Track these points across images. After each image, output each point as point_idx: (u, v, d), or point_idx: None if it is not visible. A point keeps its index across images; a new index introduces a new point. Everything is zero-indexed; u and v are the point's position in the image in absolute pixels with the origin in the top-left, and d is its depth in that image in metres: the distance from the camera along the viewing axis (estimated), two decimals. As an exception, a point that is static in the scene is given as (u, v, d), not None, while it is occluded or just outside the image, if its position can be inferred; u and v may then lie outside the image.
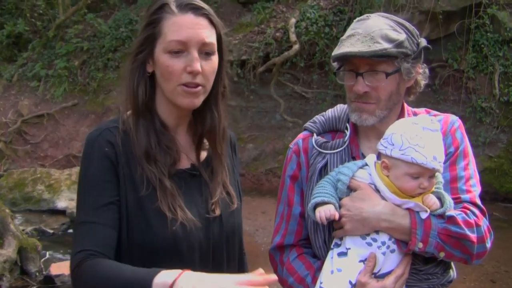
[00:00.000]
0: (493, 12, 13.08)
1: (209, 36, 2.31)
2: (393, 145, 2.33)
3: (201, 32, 2.29)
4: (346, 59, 2.49)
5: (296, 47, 13.94)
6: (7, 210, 8.01)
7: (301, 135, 2.77)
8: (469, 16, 13.02)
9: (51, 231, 9.81)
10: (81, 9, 17.51)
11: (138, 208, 2.24)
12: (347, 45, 2.43)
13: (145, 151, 2.29)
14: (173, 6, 2.31)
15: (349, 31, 2.52)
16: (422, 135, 2.29)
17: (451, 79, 13.51)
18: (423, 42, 2.55)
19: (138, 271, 2.01)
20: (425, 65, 2.62)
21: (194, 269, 2.03)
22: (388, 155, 2.35)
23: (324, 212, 2.38)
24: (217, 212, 2.39)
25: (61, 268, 7.61)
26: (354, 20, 2.59)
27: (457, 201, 2.43)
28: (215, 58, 2.35)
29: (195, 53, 2.27)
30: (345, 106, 2.72)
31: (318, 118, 2.76)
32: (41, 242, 8.34)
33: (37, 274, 7.71)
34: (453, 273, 2.55)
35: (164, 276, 1.92)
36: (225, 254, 2.43)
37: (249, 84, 14.54)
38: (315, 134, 2.70)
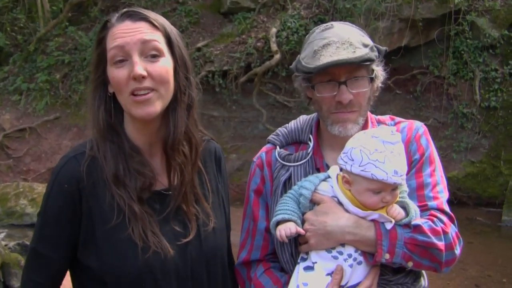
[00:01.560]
0: (472, 18, 13.19)
1: (149, 35, 2.23)
2: (352, 160, 2.26)
3: (138, 33, 2.22)
4: (323, 70, 2.39)
5: (277, 56, 13.97)
6: (-10, 226, 7.95)
7: (264, 148, 2.71)
8: (449, 23, 13.12)
9: (34, 246, 9.70)
10: (62, 22, 17.43)
11: (108, 239, 2.21)
12: (329, 54, 2.37)
13: (113, 175, 2.23)
14: (113, 20, 2.28)
15: (321, 41, 2.45)
16: (382, 149, 2.22)
17: (432, 85, 13.59)
18: (378, 46, 2.53)
19: None
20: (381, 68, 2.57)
21: None
22: (348, 170, 2.29)
23: (284, 231, 2.32)
24: (192, 234, 2.33)
25: (45, 282, 7.54)
26: (316, 30, 2.56)
27: (424, 208, 2.39)
28: (164, 60, 2.25)
29: (135, 57, 2.18)
30: (308, 117, 2.69)
31: (281, 130, 2.72)
32: (24, 257, 8.24)
33: (20, 289, 7.64)
34: (424, 281, 2.51)
35: None
36: (205, 276, 2.38)
37: (231, 94, 14.54)
38: (278, 147, 2.65)
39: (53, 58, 16.63)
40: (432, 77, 13.61)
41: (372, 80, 2.46)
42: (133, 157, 2.28)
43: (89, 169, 2.24)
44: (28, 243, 9.76)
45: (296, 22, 14.29)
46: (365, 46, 2.42)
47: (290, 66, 2.64)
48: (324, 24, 2.57)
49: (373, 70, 2.47)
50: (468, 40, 13.24)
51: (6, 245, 8.72)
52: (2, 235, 10.18)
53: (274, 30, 14.30)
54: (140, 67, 2.17)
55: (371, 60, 2.40)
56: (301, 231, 2.33)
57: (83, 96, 15.80)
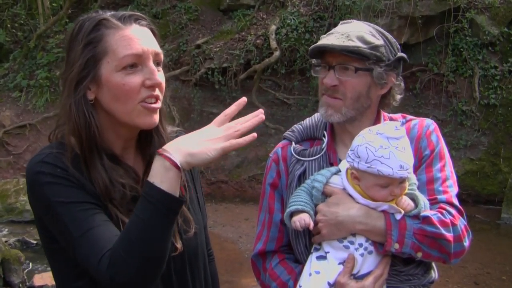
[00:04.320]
0: (471, 16, 13.20)
1: (158, 46, 2.17)
2: (359, 157, 2.33)
3: (151, 42, 2.15)
4: (322, 55, 2.57)
5: (276, 53, 13.99)
6: (-10, 222, 7.97)
7: (280, 144, 2.82)
8: (448, 21, 13.14)
9: (34, 242, 9.72)
10: (62, 19, 17.45)
11: None
12: (324, 41, 2.52)
13: (102, 191, 2.08)
14: (114, 20, 2.13)
15: (330, 32, 2.59)
16: (387, 145, 2.29)
17: (431, 83, 13.61)
18: (397, 51, 2.60)
19: (138, 208, 1.96)
20: (401, 78, 2.66)
21: None
22: (355, 167, 2.36)
23: (299, 222, 2.39)
24: (179, 246, 2.23)
25: (44, 279, 7.57)
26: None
27: (434, 202, 2.46)
28: (162, 71, 2.20)
29: (152, 65, 2.11)
30: None
31: (296, 127, 2.82)
32: (24, 253, 8.29)
33: (20, 285, 7.66)
34: (434, 273, 2.58)
35: (156, 168, 1.97)
36: (189, 275, 2.34)
37: (230, 91, 14.55)
38: (293, 143, 2.75)
39: (53, 55, 16.64)
40: (431, 75, 13.62)
41: (357, 70, 2.50)
42: (114, 169, 2.13)
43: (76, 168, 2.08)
44: (28, 239, 9.80)
45: (296, 19, 14.30)
46: (366, 43, 2.50)
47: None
48: (348, 20, 2.70)
49: (372, 69, 2.52)
50: (467, 38, 13.25)
51: (6, 242, 8.75)
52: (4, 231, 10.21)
53: (273, 27, 14.31)
54: (159, 75, 2.13)
55: (359, 54, 2.47)
56: (312, 223, 2.40)
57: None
